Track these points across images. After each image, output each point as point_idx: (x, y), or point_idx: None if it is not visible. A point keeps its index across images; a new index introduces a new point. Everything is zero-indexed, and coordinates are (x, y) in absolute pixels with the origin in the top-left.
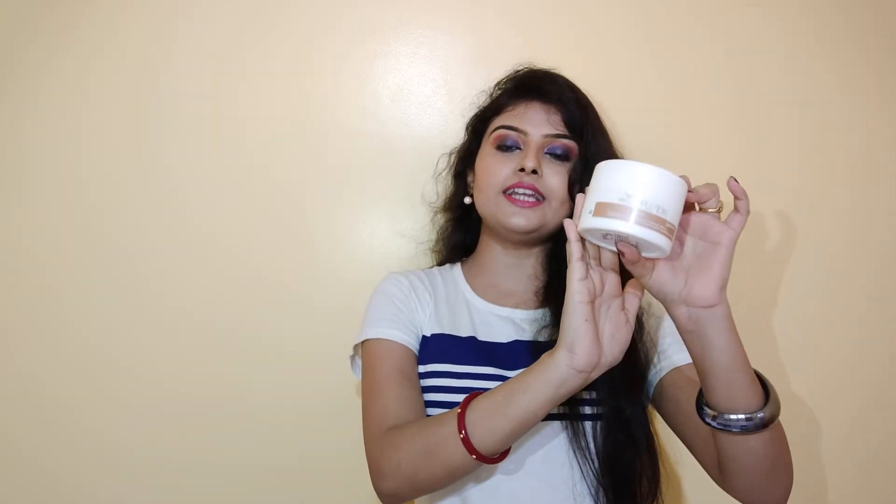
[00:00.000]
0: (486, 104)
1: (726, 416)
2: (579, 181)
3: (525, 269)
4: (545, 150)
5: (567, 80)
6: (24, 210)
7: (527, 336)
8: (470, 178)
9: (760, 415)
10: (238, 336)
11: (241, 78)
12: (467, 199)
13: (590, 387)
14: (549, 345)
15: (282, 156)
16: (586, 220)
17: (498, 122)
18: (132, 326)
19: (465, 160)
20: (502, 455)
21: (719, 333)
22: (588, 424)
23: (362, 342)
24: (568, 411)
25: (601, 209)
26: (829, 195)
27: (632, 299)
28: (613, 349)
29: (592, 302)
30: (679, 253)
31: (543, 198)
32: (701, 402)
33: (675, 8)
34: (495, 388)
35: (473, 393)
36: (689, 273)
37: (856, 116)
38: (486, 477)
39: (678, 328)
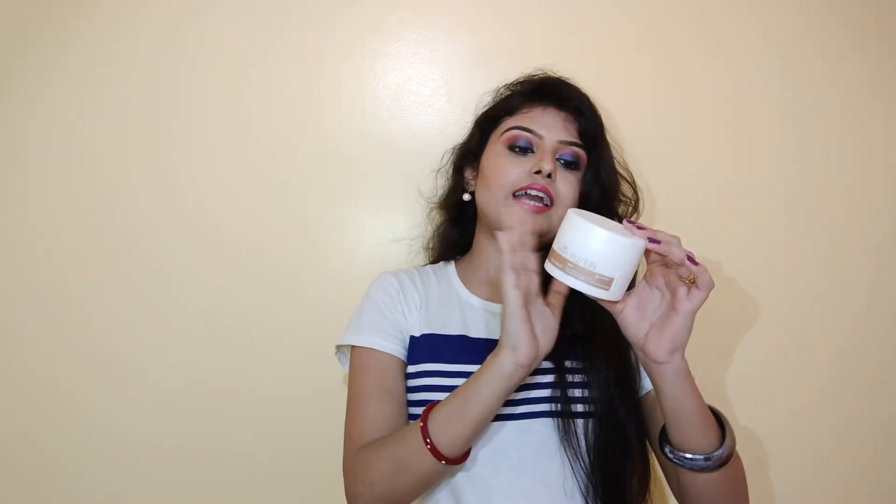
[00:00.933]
0: (497, 103)
1: (680, 454)
2: (588, 192)
3: None
4: (556, 156)
5: (583, 91)
6: (35, 208)
7: None
8: (469, 175)
9: (714, 455)
10: (244, 331)
11: (243, 79)
12: (466, 197)
13: (583, 385)
14: None
15: (283, 155)
16: (547, 261)
17: (511, 122)
18: (139, 322)
19: (466, 156)
20: (466, 454)
21: (669, 386)
22: (580, 422)
23: (350, 347)
24: (560, 409)
25: (550, 255)
26: (824, 195)
27: (555, 296)
28: (547, 340)
29: (525, 305)
30: (651, 304)
31: (552, 203)
32: (663, 434)
33: (674, 9)
34: (450, 395)
35: (431, 404)
36: (651, 325)
37: (852, 115)
38: (478, 474)
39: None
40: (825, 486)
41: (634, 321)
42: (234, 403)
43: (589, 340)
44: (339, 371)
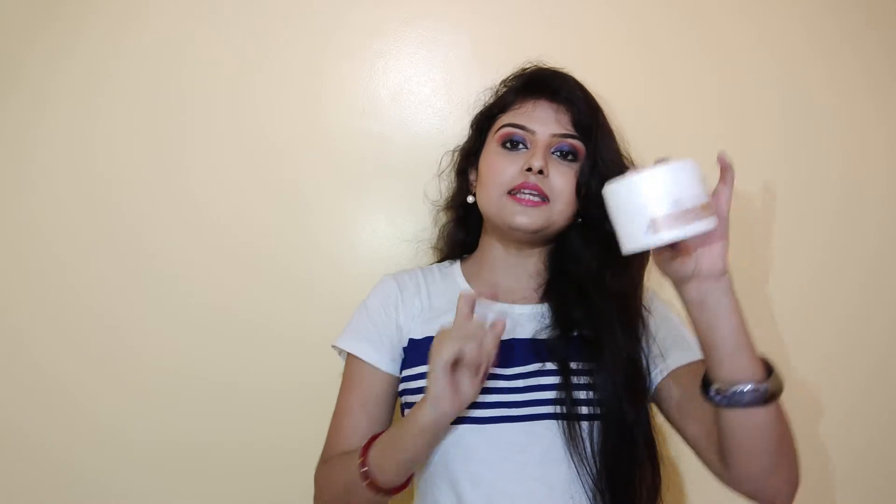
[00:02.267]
0: (491, 101)
1: (734, 389)
2: (586, 183)
3: (527, 267)
4: (552, 150)
5: (576, 80)
6: (41, 206)
7: (526, 333)
8: (473, 177)
9: (765, 385)
10: (248, 327)
11: (245, 79)
12: (470, 199)
13: (588, 387)
14: (546, 343)
15: (285, 154)
16: (650, 238)
17: (504, 119)
18: (146, 320)
19: (468, 158)
20: (406, 483)
21: (726, 303)
22: (585, 425)
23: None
24: (565, 412)
25: (665, 222)
26: (817, 194)
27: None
28: (472, 392)
29: (452, 369)
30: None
31: (548, 199)
32: (707, 382)
33: (673, 10)
34: (386, 433)
35: (372, 437)
36: (697, 251)
37: (846, 113)
38: (482, 476)
39: (688, 306)
40: (821, 487)
41: (682, 257)
42: (240, 399)
43: (596, 342)
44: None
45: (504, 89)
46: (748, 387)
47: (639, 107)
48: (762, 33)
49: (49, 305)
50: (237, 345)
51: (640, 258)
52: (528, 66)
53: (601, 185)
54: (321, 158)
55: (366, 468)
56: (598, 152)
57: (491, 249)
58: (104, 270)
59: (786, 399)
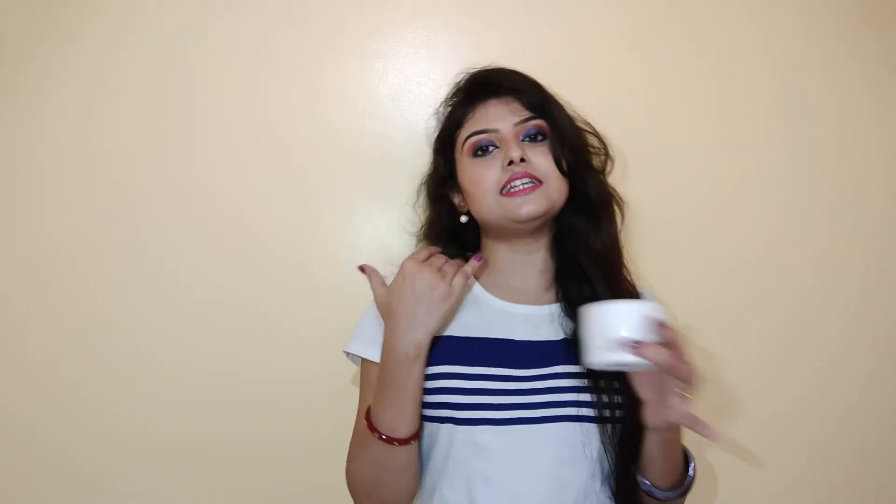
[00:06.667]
0: (443, 123)
1: (650, 487)
2: (562, 153)
3: (535, 263)
4: (521, 138)
5: (509, 68)
6: (49, 205)
7: (544, 335)
8: (458, 200)
9: (677, 490)
10: (253, 321)
11: (245, 80)
12: (463, 218)
13: (607, 390)
14: (563, 343)
15: (285, 154)
16: (599, 354)
17: (464, 132)
18: (153, 318)
19: (443, 183)
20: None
21: (654, 446)
22: (608, 427)
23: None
24: (591, 414)
25: (625, 346)
26: (815, 195)
27: None
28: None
29: None
30: (655, 382)
31: (541, 181)
32: (636, 466)
33: (670, 11)
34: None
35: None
36: (653, 397)
37: (843, 108)
38: (496, 478)
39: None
40: (812, 491)
41: (643, 386)
42: (245, 396)
43: None
44: (351, 365)
45: (450, 108)
46: (668, 493)
47: (637, 106)
48: (761, 33)
49: (55, 302)
50: (242, 341)
51: (611, 219)
52: (460, 77)
53: (572, 155)
54: (321, 159)
55: (371, 420)
56: (558, 124)
57: (497, 253)
58: (109, 267)
59: (787, 401)
